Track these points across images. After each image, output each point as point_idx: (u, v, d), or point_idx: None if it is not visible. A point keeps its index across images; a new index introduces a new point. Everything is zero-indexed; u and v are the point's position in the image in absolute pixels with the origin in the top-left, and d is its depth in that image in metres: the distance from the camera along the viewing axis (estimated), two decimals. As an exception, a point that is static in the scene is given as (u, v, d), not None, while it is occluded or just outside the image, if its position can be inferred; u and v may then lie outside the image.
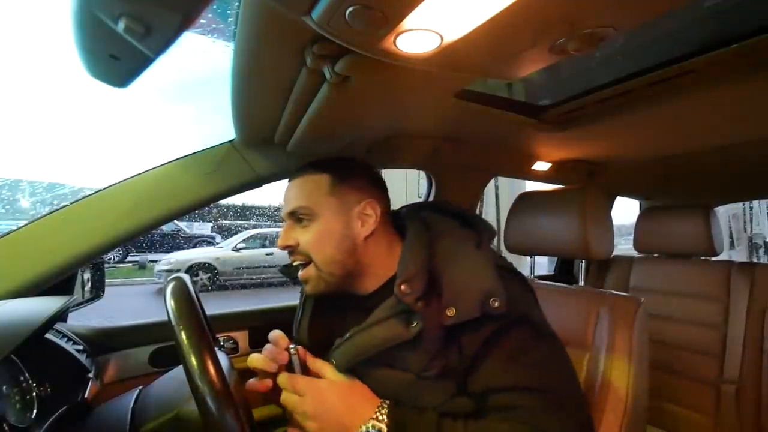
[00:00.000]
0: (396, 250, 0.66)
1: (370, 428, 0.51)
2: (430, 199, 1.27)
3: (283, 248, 0.66)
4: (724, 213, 6.48)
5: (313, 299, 0.73)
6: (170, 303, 0.49)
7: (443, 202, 0.75)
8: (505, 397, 0.52)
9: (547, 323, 0.61)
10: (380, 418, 0.52)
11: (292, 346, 0.59)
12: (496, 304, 0.53)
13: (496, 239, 0.74)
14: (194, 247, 10.14)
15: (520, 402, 0.51)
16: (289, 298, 1.12)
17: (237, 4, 0.46)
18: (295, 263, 0.67)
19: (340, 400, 0.54)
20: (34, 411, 0.53)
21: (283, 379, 0.57)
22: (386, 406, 0.53)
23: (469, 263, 0.59)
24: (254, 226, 11.48)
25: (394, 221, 0.71)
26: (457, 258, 0.60)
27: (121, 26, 0.38)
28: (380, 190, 0.70)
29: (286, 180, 0.72)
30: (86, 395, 0.66)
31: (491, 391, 0.53)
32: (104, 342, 0.89)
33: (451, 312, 0.54)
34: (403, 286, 0.56)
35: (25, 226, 0.73)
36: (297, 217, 0.65)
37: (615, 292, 0.86)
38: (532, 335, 0.56)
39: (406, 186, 4.46)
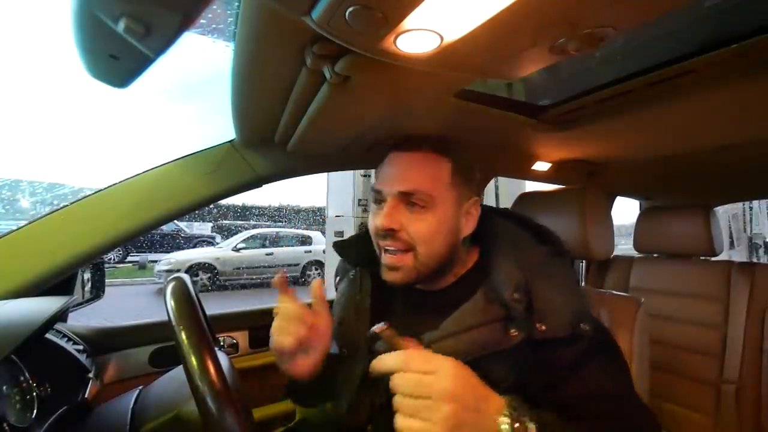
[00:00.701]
0: (471, 249, 0.66)
1: (514, 426, 0.42)
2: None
3: (386, 230, 0.58)
4: (724, 213, 6.48)
5: (371, 299, 0.67)
6: (170, 303, 0.49)
7: (518, 212, 0.72)
8: (587, 405, 0.51)
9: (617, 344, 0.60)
10: (519, 416, 0.43)
11: (379, 324, 0.50)
12: (587, 328, 0.53)
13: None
14: (194, 247, 10.15)
15: (602, 409, 0.51)
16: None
17: (237, 4, 0.46)
18: (389, 248, 0.59)
19: (477, 380, 0.45)
20: (34, 411, 0.53)
21: (404, 357, 0.44)
22: (513, 400, 0.45)
23: (560, 282, 0.58)
24: (254, 226, 11.48)
25: None
26: (548, 275, 0.58)
27: (121, 26, 0.38)
28: (481, 190, 0.68)
29: (286, 180, 0.71)
30: (86, 395, 0.66)
31: (574, 399, 0.52)
32: (104, 342, 0.89)
33: (541, 327, 0.53)
34: (516, 294, 0.54)
35: (25, 226, 0.73)
36: (410, 200, 0.58)
37: (615, 292, 0.86)
38: (615, 353, 0.57)
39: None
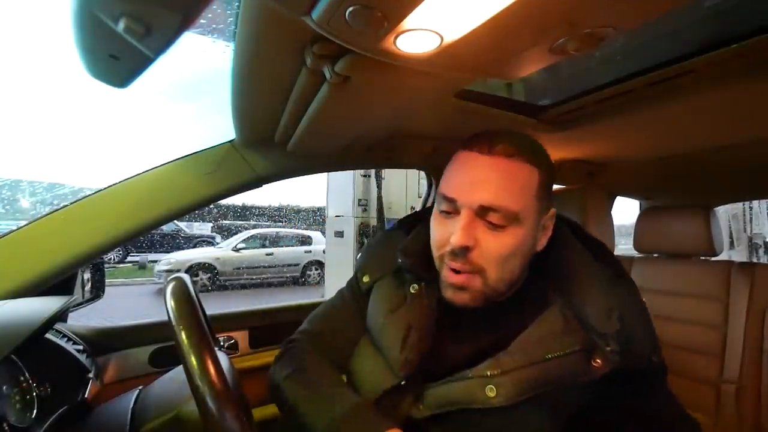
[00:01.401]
0: None
1: None
2: (430, 199, 1.26)
3: (461, 248, 0.49)
4: (724, 213, 6.48)
5: (434, 307, 0.57)
6: (170, 303, 0.49)
7: (579, 225, 0.63)
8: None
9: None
10: None
11: None
12: (656, 361, 0.51)
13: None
14: (194, 247, 10.15)
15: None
16: (290, 298, 1.12)
17: (237, 4, 0.46)
18: (455, 270, 0.51)
19: None
20: (34, 411, 0.53)
21: None
22: None
23: (637, 308, 0.53)
24: (254, 226, 11.49)
25: None
26: (627, 299, 0.53)
27: (121, 26, 0.38)
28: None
29: (286, 180, 0.71)
30: (86, 395, 0.66)
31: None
32: (104, 342, 0.89)
33: (623, 357, 0.48)
34: (619, 324, 0.48)
35: (25, 226, 0.73)
36: (489, 216, 0.49)
37: None
38: (664, 379, 0.55)
39: (406, 186, 4.46)
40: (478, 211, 0.49)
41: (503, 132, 0.53)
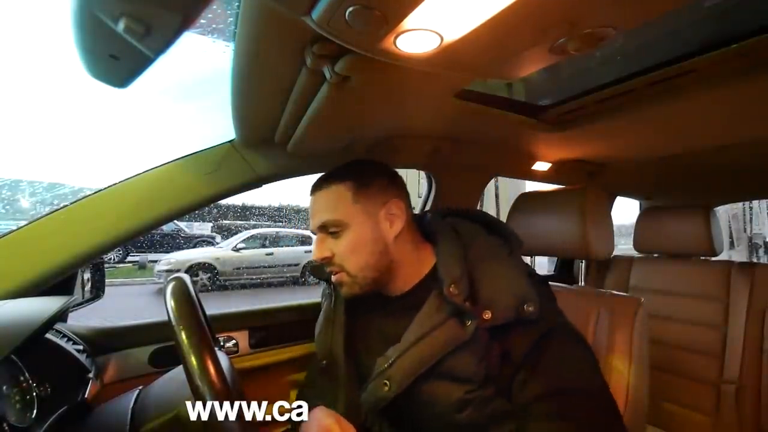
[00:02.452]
0: (424, 251, 0.69)
1: None
2: (430, 199, 1.27)
3: (320, 261, 0.67)
4: (724, 213, 6.48)
5: (344, 308, 0.73)
6: (170, 303, 0.49)
7: (471, 209, 0.76)
8: (553, 402, 0.52)
9: (575, 329, 0.62)
10: None
11: None
12: (531, 309, 0.56)
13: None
14: (194, 247, 10.14)
15: (568, 406, 0.52)
16: (289, 298, 1.12)
17: (237, 4, 0.46)
18: (332, 273, 0.67)
19: None
20: (34, 411, 0.53)
21: None
22: None
23: (503, 270, 0.62)
24: (254, 226, 11.48)
25: (419, 225, 0.73)
26: (490, 264, 0.62)
27: (121, 26, 0.38)
28: (400, 188, 0.71)
29: (286, 180, 0.72)
30: (86, 395, 0.66)
31: (539, 397, 0.53)
32: (104, 342, 0.89)
33: (487, 315, 0.56)
34: (452, 288, 0.58)
35: (25, 226, 0.73)
36: (328, 231, 0.66)
37: (615, 292, 0.87)
38: (574, 341, 0.59)
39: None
40: (321, 230, 0.67)
41: (323, 175, 0.70)
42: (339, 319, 0.73)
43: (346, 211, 0.65)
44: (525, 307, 0.56)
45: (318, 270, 0.77)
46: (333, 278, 0.68)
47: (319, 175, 0.72)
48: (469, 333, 0.56)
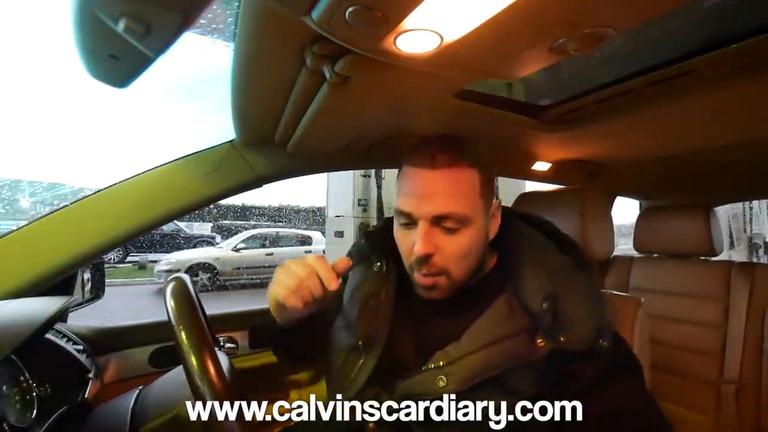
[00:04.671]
0: (490, 251, 0.63)
1: None
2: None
3: (423, 256, 0.55)
4: (724, 213, 6.48)
5: (395, 290, 0.65)
6: (170, 303, 0.49)
7: (539, 217, 0.68)
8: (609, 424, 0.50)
9: (637, 359, 0.58)
10: None
11: None
12: (605, 344, 0.52)
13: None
14: (194, 247, 10.14)
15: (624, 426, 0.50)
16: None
17: (237, 4, 0.46)
18: (425, 275, 0.56)
19: None
20: (34, 411, 0.53)
21: None
22: None
23: (584, 293, 0.56)
24: (254, 226, 11.48)
25: None
26: (571, 283, 0.56)
27: (121, 26, 0.38)
28: None
29: (286, 180, 0.71)
30: (86, 395, 0.66)
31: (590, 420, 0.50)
32: (104, 342, 0.89)
33: (562, 338, 0.51)
34: (545, 304, 0.52)
35: (25, 226, 0.73)
36: (444, 223, 0.54)
37: (615, 292, 0.87)
38: (638, 380, 0.55)
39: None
40: (433, 221, 0.54)
41: (440, 142, 0.57)
42: (389, 300, 0.64)
43: (474, 205, 0.55)
44: (600, 341, 0.52)
45: (376, 242, 0.68)
46: (424, 280, 0.57)
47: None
48: (540, 354, 0.51)
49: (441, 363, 0.54)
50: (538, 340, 0.51)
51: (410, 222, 0.56)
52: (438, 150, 0.55)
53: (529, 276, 0.56)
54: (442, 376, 0.53)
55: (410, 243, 0.56)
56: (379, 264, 0.68)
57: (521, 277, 0.57)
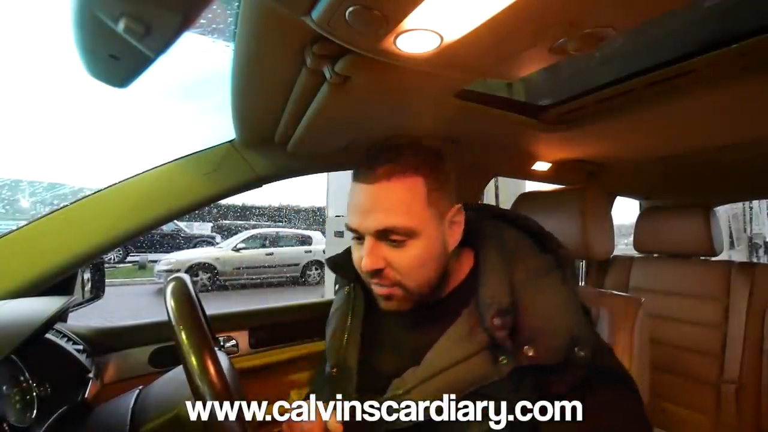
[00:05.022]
0: (465, 257, 0.60)
1: None
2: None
3: (371, 271, 0.53)
4: (724, 213, 6.48)
5: (363, 316, 0.64)
6: (170, 303, 0.49)
7: (523, 216, 0.64)
8: None
9: (626, 371, 0.54)
10: None
11: None
12: (582, 354, 0.47)
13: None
14: (194, 247, 10.13)
15: None
16: (289, 298, 1.12)
17: (237, 4, 0.46)
18: (380, 286, 0.55)
19: None
20: (34, 411, 0.53)
21: None
22: None
23: (556, 300, 0.52)
24: (254, 226, 11.47)
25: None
26: (539, 289, 0.53)
27: (121, 26, 0.38)
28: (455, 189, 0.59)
29: (286, 180, 0.71)
30: (86, 395, 0.66)
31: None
32: (104, 342, 0.89)
33: (530, 352, 0.48)
34: (495, 320, 0.49)
35: (25, 226, 0.73)
36: (389, 237, 0.52)
37: (615, 292, 0.87)
38: (621, 393, 0.51)
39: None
40: (377, 235, 0.52)
41: (380, 153, 0.54)
42: (356, 324, 0.63)
43: (419, 216, 0.52)
44: (576, 350, 0.47)
45: (338, 266, 0.68)
46: (380, 290, 0.55)
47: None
48: (501, 373, 0.48)
49: (400, 391, 0.52)
50: (500, 359, 0.48)
51: (359, 237, 0.55)
52: (377, 163, 0.53)
53: (490, 286, 0.53)
54: (401, 405, 0.50)
55: (360, 256, 0.55)
56: (347, 288, 0.68)
57: (483, 286, 0.54)
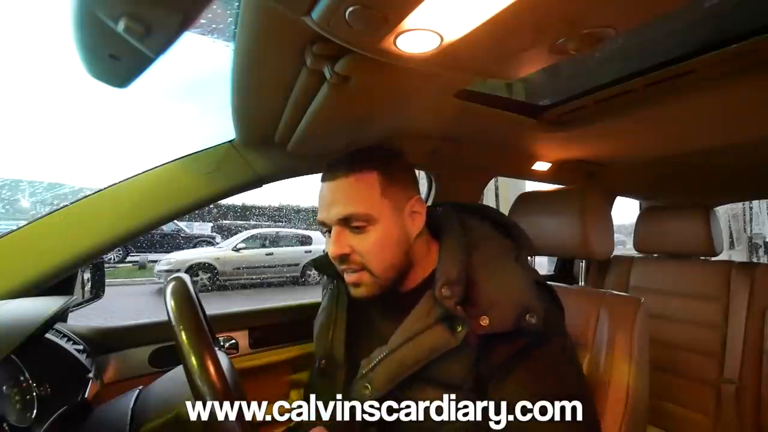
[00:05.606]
0: (433, 248, 0.66)
1: None
2: (430, 199, 1.27)
3: (339, 257, 0.60)
4: (724, 213, 6.48)
5: (347, 307, 0.69)
6: (170, 303, 0.49)
7: (484, 207, 0.72)
8: (527, 409, 0.50)
9: (571, 340, 0.61)
10: None
11: None
12: (533, 321, 0.53)
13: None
14: (194, 247, 10.12)
15: (543, 416, 0.50)
16: (289, 298, 1.12)
17: (237, 4, 0.46)
18: (347, 272, 0.62)
19: None
20: (34, 411, 0.53)
21: None
22: None
23: (507, 275, 0.58)
24: (254, 226, 11.46)
25: (429, 220, 0.68)
26: (494, 267, 0.59)
27: (121, 26, 0.38)
28: (416, 183, 0.67)
29: (286, 180, 0.71)
30: (86, 395, 0.66)
31: (513, 402, 0.51)
32: (104, 342, 0.89)
33: (484, 321, 0.53)
34: (443, 289, 0.55)
35: (25, 226, 0.73)
36: (350, 224, 0.60)
37: (615, 292, 0.86)
38: (560, 350, 0.57)
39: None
40: (340, 223, 0.60)
41: (342, 157, 0.63)
42: (341, 318, 0.69)
43: (375, 205, 0.59)
44: (527, 317, 0.53)
45: (322, 265, 0.73)
46: (349, 277, 0.62)
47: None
48: (458, 340, 0.53)
49: (366, 370, 0.57)
50: (457, 328, 0.54)
51: (328, 230, 0.62)
52: (336, 163, 0.62)
53: (442, 264, 0.60)
54: (366, 384, 0.56)
55: (330, 248, 0.61)
56: (330, 286, 0.74)
57: (438, 265, 0.60)
